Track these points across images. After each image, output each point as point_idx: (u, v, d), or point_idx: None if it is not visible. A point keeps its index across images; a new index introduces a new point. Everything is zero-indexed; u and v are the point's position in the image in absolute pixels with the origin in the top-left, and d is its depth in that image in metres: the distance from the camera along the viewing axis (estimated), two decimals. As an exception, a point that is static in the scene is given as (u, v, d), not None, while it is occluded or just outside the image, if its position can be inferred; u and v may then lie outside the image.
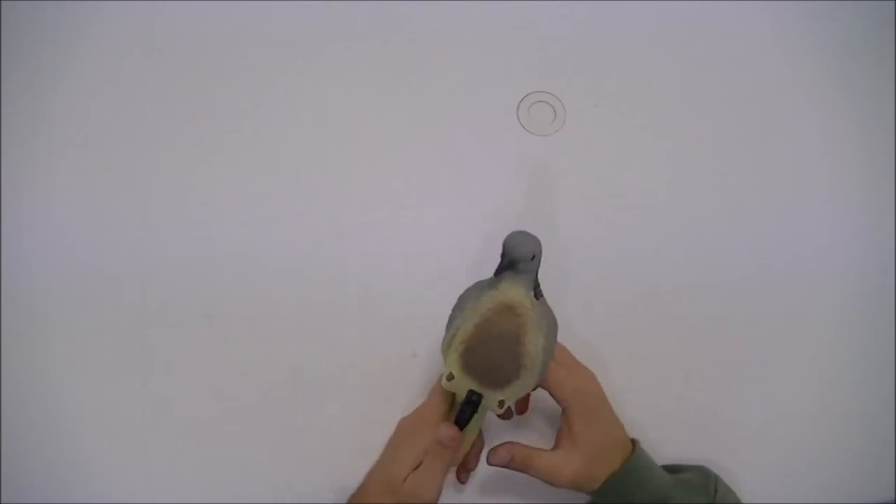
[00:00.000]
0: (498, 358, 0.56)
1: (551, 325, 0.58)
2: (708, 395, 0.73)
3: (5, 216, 0.75)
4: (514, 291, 0.55)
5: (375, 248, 0.76)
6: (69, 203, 0.75)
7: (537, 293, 0.56)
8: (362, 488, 0.63)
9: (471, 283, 0.61)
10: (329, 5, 0.81)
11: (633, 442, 0.64)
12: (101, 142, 0.77)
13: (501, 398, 0.58)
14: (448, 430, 0.59)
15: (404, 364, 0.72)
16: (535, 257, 0.55)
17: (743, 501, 0.65)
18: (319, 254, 0.75)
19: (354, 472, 0.68)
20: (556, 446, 0.63)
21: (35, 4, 0.79)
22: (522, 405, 0.67)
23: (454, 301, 0.62)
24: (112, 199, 0.76)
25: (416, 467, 0.61)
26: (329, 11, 0.81)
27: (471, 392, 0.58)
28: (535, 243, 0.55)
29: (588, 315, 0.73)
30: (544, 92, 0.80)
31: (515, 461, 0.62)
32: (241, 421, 0.71)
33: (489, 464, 0.63)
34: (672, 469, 0.65)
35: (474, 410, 0.58)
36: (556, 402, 0.62)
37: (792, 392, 0.74)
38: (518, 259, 0.54)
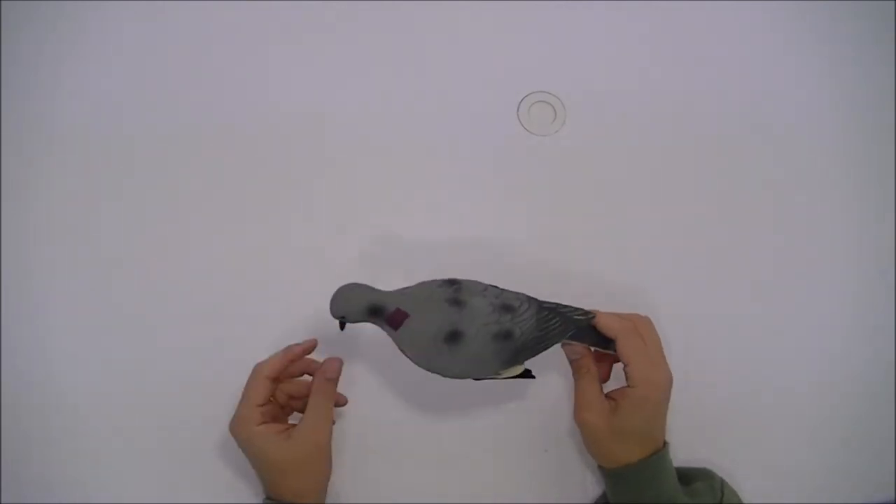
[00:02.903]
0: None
1: (417, 350, 0.60)
2: (708, 395, 0.73)
3: (5, 213, 0.75)
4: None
5: (375, 247, 0.76)
6: (68, 201, 0.76)
7: (391, 320, 0.59)
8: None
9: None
10: (329, 5, 0.81)
11: (664, 443, 0.65)
12: (100, 141, 0.77)
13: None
14: (333, 363, 0.63)
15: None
16: (344, 320, 0.61)
17: (745, 502, 0.66)
18: (318, 253, 0.75)
19: (361, 476, 0.68)
20: (608, 394, 0.64)
21: (35, 4, 0.79)
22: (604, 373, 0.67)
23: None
24: (110, 197, 0.76)
25: (265, 404, 0.63)
26: (329, 11, 0.81)
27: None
28: (337, 308, 0.60)
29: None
30: (544, 92, 0.80)
31: (579, 363, 0.65)
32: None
33: (565, 349, 0.65)
34: (676, 471, 0.65)
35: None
36: (625, 377, 0.62)
37: (792, 392, 0.74)
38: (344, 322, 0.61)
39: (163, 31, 0.81)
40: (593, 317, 0.63)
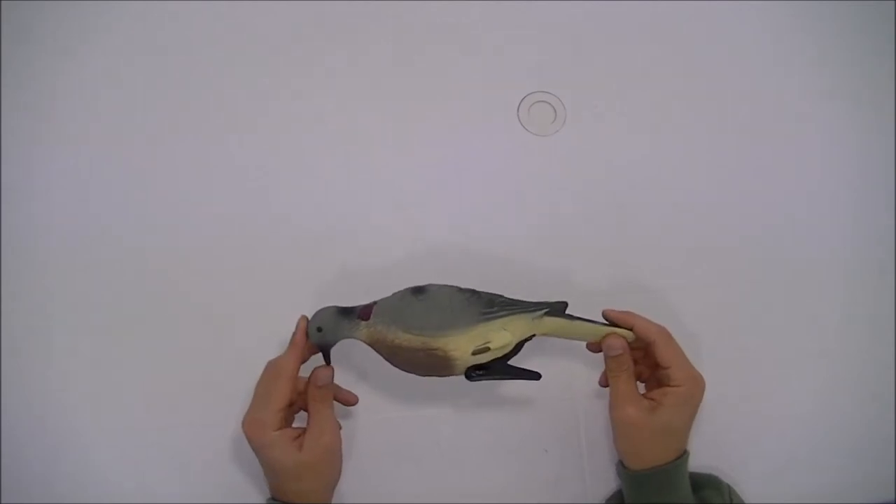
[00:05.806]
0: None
1: (389, 313, 0.64)
2: (708, 395, 0.73)
3: (6, 208, 0.75)
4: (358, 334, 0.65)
5: (374, 247, 0.76)
6: (66, 198, 0.76)
7: (363, 314, 0.64)
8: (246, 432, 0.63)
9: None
10: (330, 5, 0.81)
11: (685, 450, 0.66)
12: (100, 138, 0.77)
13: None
14: (321, 372, 0.64)
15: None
16: (321, 328, 0.65)
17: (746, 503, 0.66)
18: (318, 252, 0.75)
19: (361, 476, 0.68)
20: (645, 394, 0.65)
21: (35, 4, 0.79)
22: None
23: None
24: (108, 196, 0.76)
25: (287, 406, 0.63)
26: (330, 11, 0.81)
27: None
28: (314, 320, 0.65)
29: (587, 314, 0.73)
30: (544, 92, 0.80)
31: (619, 359, 0.64)
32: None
33: (606, 343, 0.65)
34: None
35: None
36: (669, 378, 0.63)
37: (792, 392, 0.74)
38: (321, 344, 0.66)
39: (162, 30, 0.81)
40: (565, 304, 0.66)
